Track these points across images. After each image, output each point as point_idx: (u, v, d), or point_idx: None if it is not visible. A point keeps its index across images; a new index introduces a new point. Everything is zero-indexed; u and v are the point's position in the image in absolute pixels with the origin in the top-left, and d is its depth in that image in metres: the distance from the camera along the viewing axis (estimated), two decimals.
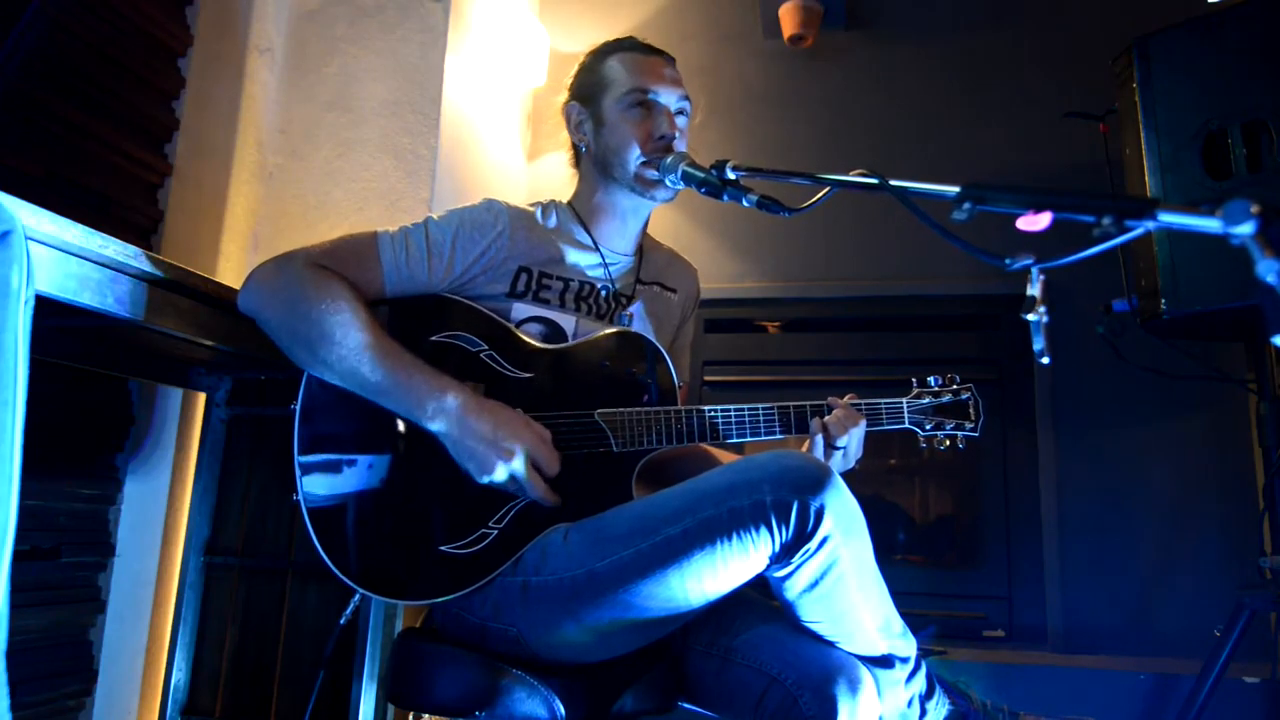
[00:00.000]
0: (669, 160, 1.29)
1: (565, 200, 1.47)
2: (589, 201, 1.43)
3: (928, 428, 1.39)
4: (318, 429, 1.18)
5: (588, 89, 1.42)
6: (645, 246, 1.50)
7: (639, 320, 1.43)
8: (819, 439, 1.32)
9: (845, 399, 1.37)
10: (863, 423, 1.34)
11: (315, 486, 1.16)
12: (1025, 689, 2.12)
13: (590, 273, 1.39)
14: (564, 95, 1.48)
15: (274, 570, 1.69)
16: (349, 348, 1.14)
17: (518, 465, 1.14)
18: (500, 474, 1.14)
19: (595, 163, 1.41)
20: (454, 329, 1.26)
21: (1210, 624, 1.83)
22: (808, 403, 1.33)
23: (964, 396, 1.40)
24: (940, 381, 1.41)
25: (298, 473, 1.16)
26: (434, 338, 1.24)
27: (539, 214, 1.39)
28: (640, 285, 1.46)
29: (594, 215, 1.42)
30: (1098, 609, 2.23)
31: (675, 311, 1.53)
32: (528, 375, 1.26)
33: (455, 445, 1.15)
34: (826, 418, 1.32)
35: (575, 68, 1.49)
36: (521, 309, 1.31)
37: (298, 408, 1.18)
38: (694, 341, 1.64)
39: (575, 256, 1.38)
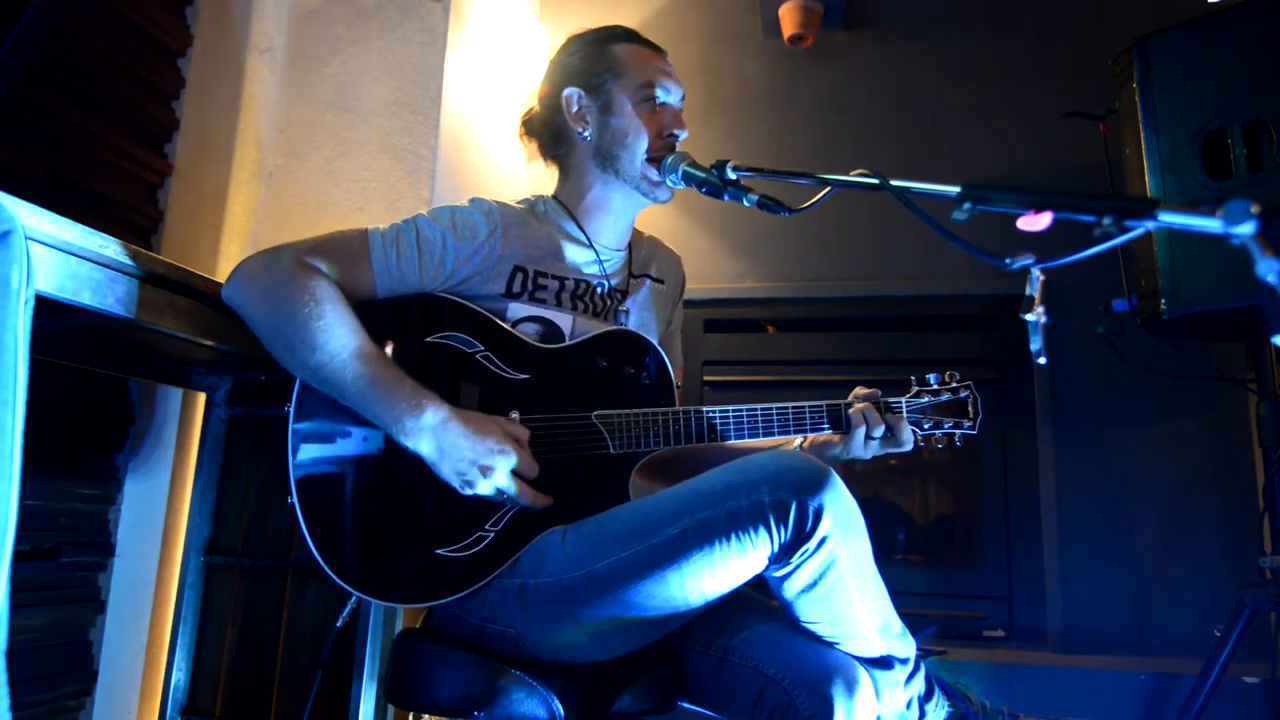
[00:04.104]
0: (670, 160, 1.29)
1: (550, 194, 1.44)
2: (583, 197, 1.40)
3: (925, 427, 1.37)
4: (311, 431, 1.18)
5: (591, 76, 1.37)
6: (631, 239, 1.48)
7: (635, 315, 1.43)
8: (860, 431, 1.31)
9: (859, 392, 1.36)
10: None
11: (310, 489, 1.16)
12: (1025, 689, 2.12)
13: (585, 270, 1.38)
14: (550, 81, 1.42)
15: (274, 570, 1.69)
16: (330, 354, 1.11)
17: (499, 478, 1.13)
18: (484, 489, 1.13)
19: (595, 154, 1.37)
20: (450, 329, 1.24)
21: (1210, 624, 1.83)
22: (806, 403, 1.33)
23: (963, 395, 1.39)
24: (940, 380, 1.40)
25: (291, 476, 1.15)
26: (430, 338, 1.23)
27: (529, 211, 1.38)
28: (632, 279, 1.45)
29: (588, 211, 1.40)
30: (1098, 609, 2.23)
31: (666, 301, 1.53)
32: (524, 376, 1.26)
33: (435, 465, 1.14)
34: (864, 409, 1.32)
35: (566, 53, 1.42)
36: (518, 309, 1.29)
37: (291, 410, 1.17)
38: (688, 332, 1.64)
39: (570, 254, 1.37)
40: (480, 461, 1.12)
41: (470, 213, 1.29)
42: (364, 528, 1.17)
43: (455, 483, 1.14)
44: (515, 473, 1.15)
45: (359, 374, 1.12)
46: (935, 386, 1.39)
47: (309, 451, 1.17)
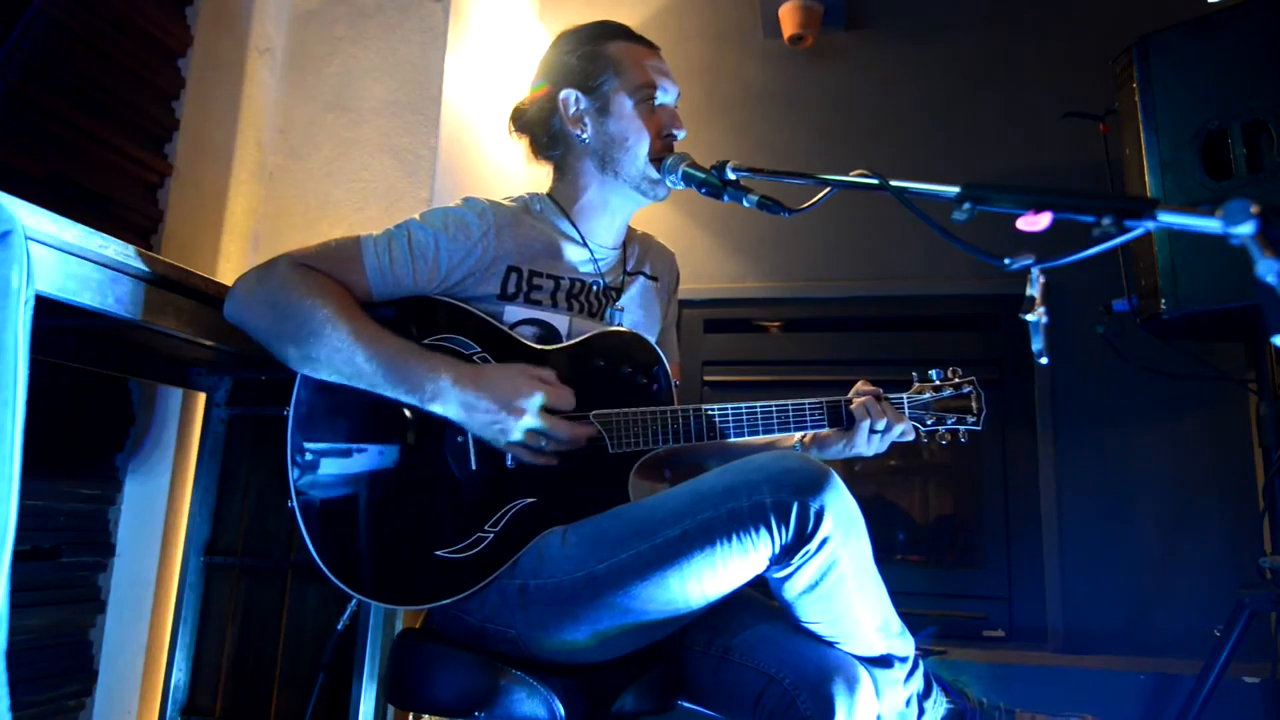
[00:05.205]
0: (670, 161, 1.29)
1: (544, 192, 1.43)
2: (579, 197, 1.39)
3: (928, 423, 1.37)
4: (311, 434, 1.18)
5: (589, 77, 1.35)
6: (625, 236, 1.48)
7: (630, 313, 1.43)
8: (864, 424, 1.31)
9: (860, 387, 1.36)
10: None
11: (309, 492, 1.16)
12: (1025, 689, 2.12)
13: (580, 269, 1.38)
14: (546, 81, 1.39)
15: (274, 570, 1.69)
16: (339, 340, 1.12)
17: (531, 420, 1.14)
18: (518, 434, 1.14)
19: (593, 156, 1.36)
20: (447, 331, 1.25)
21: (1210, 624, 1.83)
22: (806, 400, 1.32)
23: (965, 390, 1.38)
24: (942, 375, 1.40)
25: (291, 479, 1.15)
26: (427, 340, 1.23)
27: (524, 209, 1.37)
28: (627, 276, 1.45)
29: (584, 211, 1.39)
30: (1098, 609, 2.23)
31: (662, 297, 1.53)
32: None
33: (466, 423, 1.15)
34: (866, 403, 1.31)
35: (561, 52, 1.39)
36: (514, 311, 1.29)
37: (290, 413, 1.18)
38: (688, 332, 1.63)
39: (565, 253, 1.37)
40: (509, 404, 1.12)
41: (463, 213, 1.29)
42: (364, 530, 1.17)
43: (489, 436, 1.15)
44: (548, 410, 1.15)
45: (371, 355, 1.13)
46: (938, 382, 1.39)
47: (308, 455, 1.17)
